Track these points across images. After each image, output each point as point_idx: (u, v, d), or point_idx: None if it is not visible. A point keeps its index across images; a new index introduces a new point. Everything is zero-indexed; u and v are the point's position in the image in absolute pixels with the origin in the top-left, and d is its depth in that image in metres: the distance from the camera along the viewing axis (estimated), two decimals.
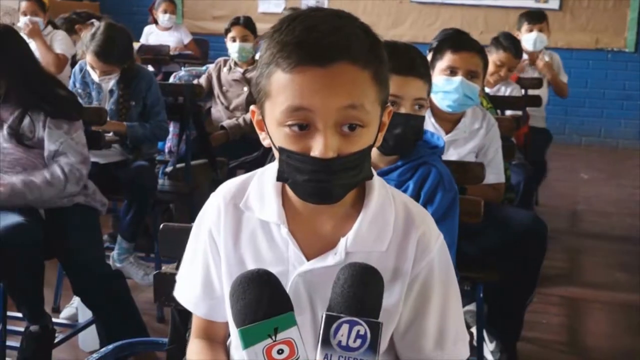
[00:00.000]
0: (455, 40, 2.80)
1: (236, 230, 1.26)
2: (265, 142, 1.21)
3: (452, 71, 2.74)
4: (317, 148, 1.11)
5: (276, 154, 1.17)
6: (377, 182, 1.26)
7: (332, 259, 1.20)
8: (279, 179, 1.18)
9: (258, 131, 1.23)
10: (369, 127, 1.15)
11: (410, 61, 1.96)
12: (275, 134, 1.16)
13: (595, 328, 3.50)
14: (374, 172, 1.25)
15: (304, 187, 1.15)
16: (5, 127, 2.64)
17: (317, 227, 1.24)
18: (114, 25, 3.54)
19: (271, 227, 1.24)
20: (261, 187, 1.27)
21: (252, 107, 1.24)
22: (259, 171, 1.30)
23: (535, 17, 5.02)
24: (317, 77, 1.09)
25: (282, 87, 1.12)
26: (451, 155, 2.75)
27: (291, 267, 1.21)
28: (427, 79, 2.03)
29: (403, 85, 1.95)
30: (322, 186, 1.13)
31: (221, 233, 1.27)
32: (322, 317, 1.13)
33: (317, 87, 1.10)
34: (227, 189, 1.30)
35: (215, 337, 1.35)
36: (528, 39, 4.92)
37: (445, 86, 2.72)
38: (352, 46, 1.11)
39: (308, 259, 1.21)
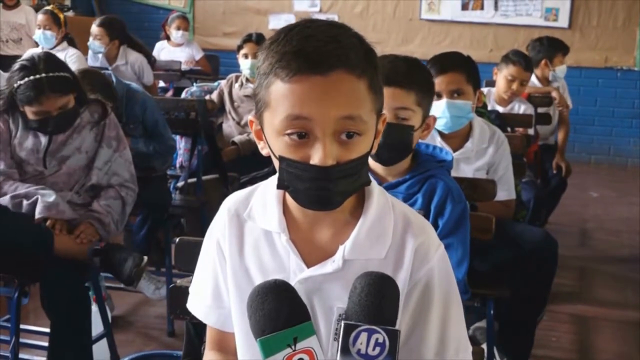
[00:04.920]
0: (436, 64, 2.78)
1: (240, 240, 1.29)
2: (264, 152, 1.23)
3: (437, 95, 2.72)
4: (317, 156, 1.13)
5: (276, 162, 1.19)
6: (376, 191, 1.27)
7: (331, 266, 1.22)
8: (279, 187, 1.20)
9: (257, 141, 1.25)
10: (366, 135, 1.17)
11: (388, 71, 1.91)
12: (274, 143, 1.18)
13: (606, 346, 3.50)
14: (373, 180, 1.27)
15: (305, 194, 1.17)
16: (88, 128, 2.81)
17: (316, 235, 1.26)
18: None
19: (273, 236, 1.27)
20: (264, 197, 1.29)
21: (250, 117, 1.26)
22: (263, 183, 1.32)
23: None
24: (316, 86, 1.12)
25: (281, 97, 1.14)
26: (462, 170, 2.76)
27: (292, 274, 1.23)
28: (415, 88, 1.99)
29: None
30: (322, 193, 1.15)
31: (227, 242, 1.30)
32: (323, 321, 1.18)
33: (316, 96, 1.12)
34: (233, 200, 1.33)
35: (229, 349, 1.36)
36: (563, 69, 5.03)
37: (435, 111, 2.72)
38: (349, 54, 1.13)
39: (308, 267, 1.23)
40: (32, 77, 2.61)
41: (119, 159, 2.84)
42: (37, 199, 2.63)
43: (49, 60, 2.71)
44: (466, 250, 2.02)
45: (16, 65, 2.69)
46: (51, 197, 2.65)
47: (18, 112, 2.74)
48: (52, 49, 5.26)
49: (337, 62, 1.12)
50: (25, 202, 2.66)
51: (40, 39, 5.32)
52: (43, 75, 2.62)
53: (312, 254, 1.24)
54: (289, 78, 1.12)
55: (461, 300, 1.31)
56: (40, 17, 5.36)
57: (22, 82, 2.62)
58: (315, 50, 1.12)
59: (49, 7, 5.70)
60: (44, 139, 2.75)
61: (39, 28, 5.33)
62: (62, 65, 2.75)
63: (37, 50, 5.43)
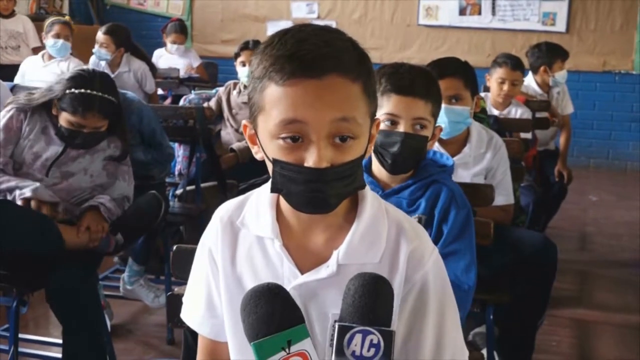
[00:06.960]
0: (434, 70, 2.78)
1: (233, 248, 1.28)
2: (258, 156, 1.23)
3: None
4: (311, 159, 1.13)
5: (269, 166, 1.19)
6: (370, 195, 1.27)
7: (325, 271, 1.21)
8: (272, 190, 1.20)
9: (250, 145, 1.25)
10: (360, 139, 1.17)
11: (410, 82, 2.00)
12: (268, 146, 1.18)
13: (606, 350, 3.49)
14: (368, 186, 1.27)
15: (299, 197, 1.17)
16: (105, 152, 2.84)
17: (310, 240, 1.25)
18: None
19: (266, 242, 1.26)
20: (257, 204, 1.29)
21: (244, 122, 1.26)
22: (256, 190, 1.32)
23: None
24: (310, 89, 1.12)
25: (275, 101, 1.14)
26: (460, 176, 2.76)
27: (285, 281, 1.22)
28: (431, 99, 2.04)
29: (401, 105, 1.99)
30: (317, 195, 1.15)
31: (219, 251, 1.29)
32: (319, 327, 1.18)
33: (310, 99, 1.12)
34: (226, 208, 1.33)
35: (221, 359, 1.35)
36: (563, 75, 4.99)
37: None
38: (343, 58, 1.14)
39: (302, 273, 1.23)
40: (87, 91, 2.65)
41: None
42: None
43: (106, 81, 2.77)
44: (473, 256, 2.01)
45: (73, 73, 2.72)
46: (31, 186, 2.66)
47: (41, 114, 2.75)
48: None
49: (331, 66, 1.12)
50: (8, 197, 2.66)
51: (59, 48, 5.24)
52: (98, 94, 2.66)
53: (305, 260, 1.24)
54: (283, 81, 1.12)
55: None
56: (58, 26, 5.28)
57: (75, 91, 2.64)
58: (309, 53, 1.12)
59: (64, 18, 5.66)
60: (57, 148, 2.75)
61: (58, 37, 5.24)
62: (115, 90, 2.79)
63: (35, 58, 5.42)
